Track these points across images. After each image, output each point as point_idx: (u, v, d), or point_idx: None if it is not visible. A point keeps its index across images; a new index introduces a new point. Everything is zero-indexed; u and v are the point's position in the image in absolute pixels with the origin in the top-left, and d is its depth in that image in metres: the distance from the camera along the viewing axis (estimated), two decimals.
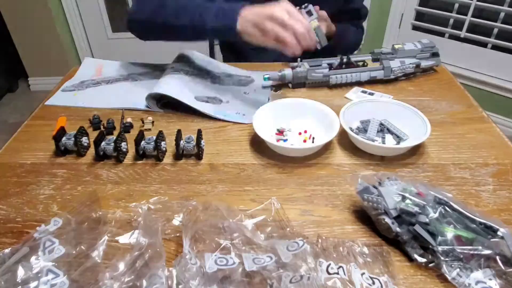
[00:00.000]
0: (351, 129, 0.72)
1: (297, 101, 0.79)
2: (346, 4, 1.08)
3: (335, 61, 0.93)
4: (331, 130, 0.70)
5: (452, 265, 0.47)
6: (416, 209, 0.50)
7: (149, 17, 0.81)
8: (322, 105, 0.76)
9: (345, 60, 0.92)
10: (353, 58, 0.94)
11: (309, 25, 0.71)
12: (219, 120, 0.81)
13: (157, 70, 0.99)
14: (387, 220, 0.51)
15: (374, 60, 0.95)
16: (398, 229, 0.51)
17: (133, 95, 0.88)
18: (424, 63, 0.95)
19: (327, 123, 0.73)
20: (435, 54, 0.96)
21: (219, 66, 0.99)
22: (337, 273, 0.47)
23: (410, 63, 0.93)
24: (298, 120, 0.77)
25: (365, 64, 0.94)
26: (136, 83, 0.94)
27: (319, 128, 0.74)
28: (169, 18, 0.78)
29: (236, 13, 0.72)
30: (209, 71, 0.96)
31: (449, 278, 0.47)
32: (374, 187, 0.55)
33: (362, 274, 0.47)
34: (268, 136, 0.72)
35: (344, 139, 0.74)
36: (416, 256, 0.49)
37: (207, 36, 0.79)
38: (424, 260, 0.49)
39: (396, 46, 0.93)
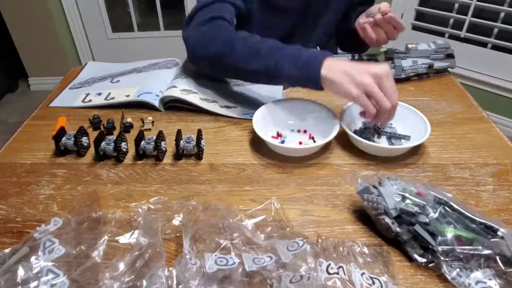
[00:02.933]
0: (355, 131, 0.72)
1: (297, 101, 0.79)
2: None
3: (346, 58, 0.92)
4: (331, 130, 0.70)
5: (452, 265, 0.47)
6: (416, 209, 0.50)
7: (215, 57, 0.77)
8: (322, 105, 0.76)
9: (356, 57, 0.91)
10: (365, 56, 0.93)
11: (396, 102, 0.64)
12: (219, 120, 0.81)
13: (161, 63, 1.00)
14: (387, 220, 0.51)
15: (387, 58, 0.94)
16: (398, 229, 0.51)
17: (141, 87, 0.88)
18: (438, 64, 0.94)
19: (327, 123, 0.73)
20: (450, 56, 0.94)
21: None
22: (337, 273, 0.47)
23: (423, 63, 0.92)
24: (298, 120, 0.77)
25: (377, 61, 0.93)
26: (142, 74, 0.95)
27: (319, 128, 0.74)
28: (240, 62, 0.74)
29: (321, 63, 0.67)
30: None
31: (449, 278, 0.47)
32: (374, 187, 0.55)
33: (362, 274, 0.47)
34: (268, 136, 0.72)
35: (344, 139, 0.74)
36: (416, 256, 0.49)
37: (284, 82, 0.76)
38: (424, 260, 0.49)
39: (409, 46, 0.92)
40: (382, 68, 0.63)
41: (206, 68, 0.83)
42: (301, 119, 0.77)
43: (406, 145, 0.70)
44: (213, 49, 0.76)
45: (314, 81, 0.68)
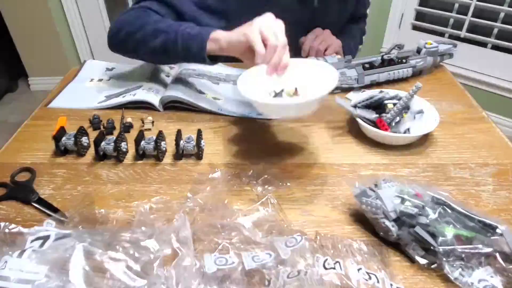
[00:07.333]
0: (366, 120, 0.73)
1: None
2: (352, 15, 1.11)
3: (376, 58, 0.92)
4: (329, 81, 0.60)
5: (454, 265, 0.47)
6: (416, 210, 0.50)
7: (128, 37, 0.81)
8: (316, 60, 0.71)
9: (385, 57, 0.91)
10: (392, 56, 0.92)
11: (284, 41, 0.65)
12: (219, 120, 0.81)
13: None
14: (387, 223, 0.51)
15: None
16: (398, 232, 0.51)
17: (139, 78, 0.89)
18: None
19: (324, 76, 0.63)
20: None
21: (233, 69, 1.00)
22: (334, 268, 0.47)
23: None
24: (290, 82, 0.66)
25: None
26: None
27: (315, 84, 0.63)
28: (146, 38, 0.78)
29: (207, 35, 0.72)
30: (229, 74, 0.98)
31: (452, 278, 0.47)
32: (371, 189, 0.54)
33: (359, 269, 0.47)
34: (257, 96, 0.62)
35: (344, 139, 0.74)
36: (418, 258, 0.49)
37: (179, 56, 0.78)
38: (425, 261, 0.49)
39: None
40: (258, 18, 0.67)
41: (121, 49, 0.85)
42: (294, 78, 0.66)
43: (413, 134, 0.70)
44: (126, 31, 0.81)
45: (199, 57, 0.73)
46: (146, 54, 0.82)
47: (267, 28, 0.64)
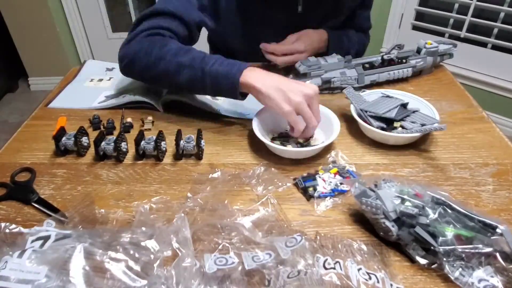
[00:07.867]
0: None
1: None
2: (348, 20, 1.09)
3: (376, 58, 0.91)
4: (331, 131, 0.70)
5: (454, 265, 0.47)
6: (416, 210, 0.50)
7: (144, 71, 0.76)
8: (323, 107, 0.76)
9: (385, 57, 0.91)
10: (392, 56, 0.92)
11: (319, 121, 0.68)
12: (219, 120, 0.81)
13: None
14: (388, 223, 0.51)
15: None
16: (399, 232, 0.51)
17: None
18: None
19: (328, 124, 0.73)
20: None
21: None
22: (334, 268, 0.47)
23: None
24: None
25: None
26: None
27: (319, 129, 0.74)
28: (169, 73, 0.73)
29: (244, 66, 0.69)
30: None
31: (452, 278, 0.47)
32: (371, 189, 0.54)
33: (359, 269, 0.47)
34: (268, 138, 0.72)
35: (344, 139, 0.74)
36: (418, 258, 0.49)
37: (207, 92, 0.76)
38: (426, 261, 0.49)
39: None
40: (313, 89, 0.67)
41: (136, 76, 0.82)
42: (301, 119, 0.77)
43: (413, 134, 0.70)
44: (144, 61, 0.75)
45: (236, 78, 0.68)
46: (168, 87, 0.83)
47: (303, 103, 0.65)
